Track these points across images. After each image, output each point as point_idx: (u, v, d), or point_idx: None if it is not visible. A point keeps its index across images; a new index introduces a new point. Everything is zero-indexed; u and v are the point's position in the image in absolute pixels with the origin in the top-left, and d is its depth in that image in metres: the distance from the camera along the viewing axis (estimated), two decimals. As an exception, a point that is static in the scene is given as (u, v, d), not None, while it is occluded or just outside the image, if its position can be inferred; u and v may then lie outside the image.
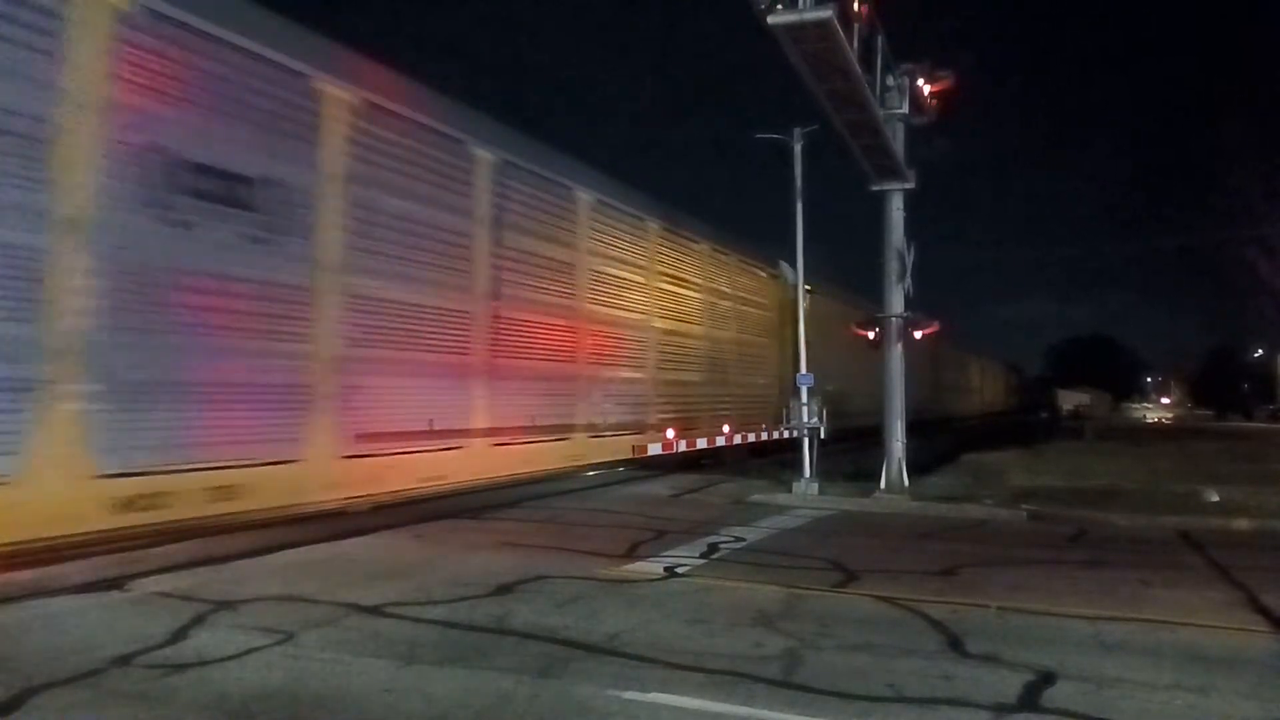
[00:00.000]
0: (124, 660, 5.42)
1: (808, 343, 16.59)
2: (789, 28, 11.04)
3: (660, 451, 16.80)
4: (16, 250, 7.16)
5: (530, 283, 13.62)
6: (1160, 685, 5.41)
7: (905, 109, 16.02)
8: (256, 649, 5.69)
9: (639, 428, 16.53)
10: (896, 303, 16.12)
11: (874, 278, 16.80)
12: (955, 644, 6.20)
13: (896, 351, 16.12)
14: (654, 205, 17.84)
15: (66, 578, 7.46)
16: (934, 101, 16.45)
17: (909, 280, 16.01)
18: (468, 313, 12.24)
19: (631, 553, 9.53)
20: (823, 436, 16.08)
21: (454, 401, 11.97)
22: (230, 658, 5.51)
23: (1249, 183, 25.69)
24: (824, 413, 16.08)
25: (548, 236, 14.09)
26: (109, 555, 8.18)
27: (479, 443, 12.34)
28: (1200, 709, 5.06)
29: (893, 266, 16.07)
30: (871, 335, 16.37)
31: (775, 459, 19.37)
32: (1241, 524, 12.80)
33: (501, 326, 12.89)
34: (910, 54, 15.98)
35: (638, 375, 16.85)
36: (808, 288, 17.64)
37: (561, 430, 14.22)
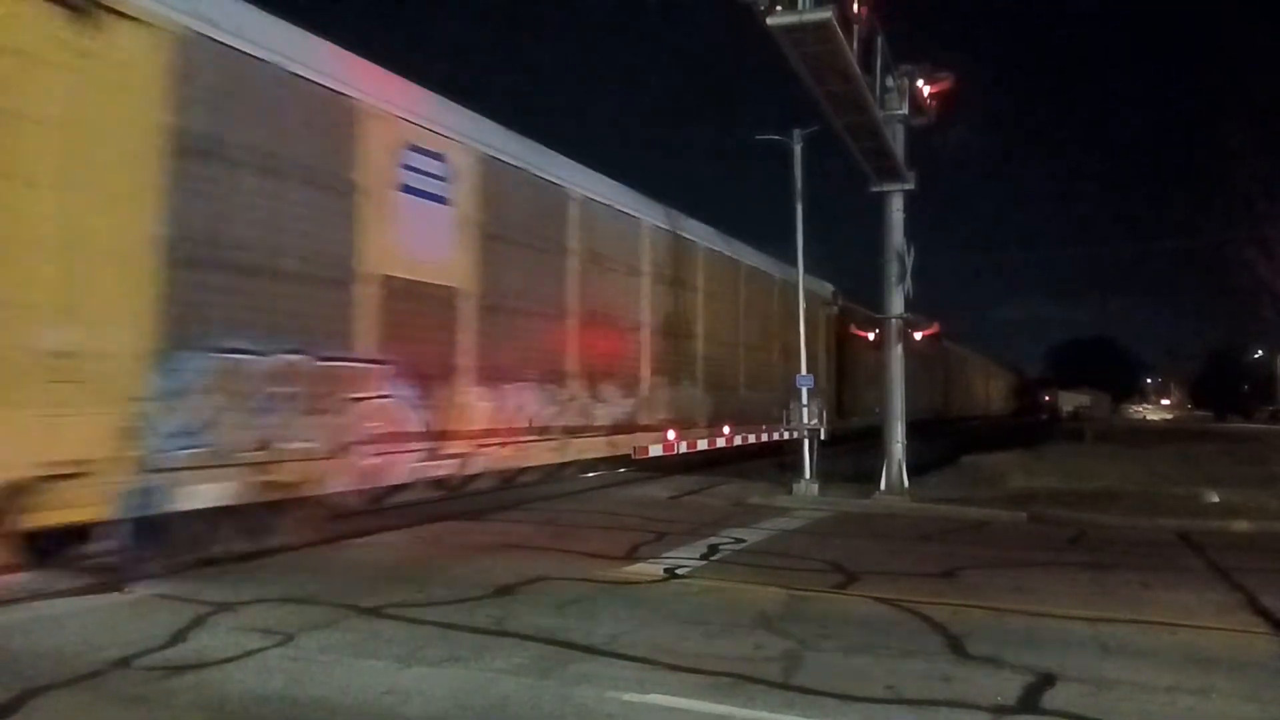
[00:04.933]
0: (123, 662, 5.42)
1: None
2: (788, 29, 11.05)
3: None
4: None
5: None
6: (1160, 687, 5.41)
7: (905, 110, 16.03)
8: (256, 651, 5.69)
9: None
10: (896, 304, 16.13)
11: (874, 279, 16.83)
12: (955, 646, 6.20)
13: (896, 353, 16.12)
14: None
15: (67, 579, 7.46)
16: (933, 103, 16.46)
17: (909, 281, 16.02)
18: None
19: (631, 554, 9.53)
20: (823, 437, 16.11)
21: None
22: (230, 660, 5.51)
23: (1249, 183, 25.63)
24: (823, 414, 16.11)
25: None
26: (109, 556, 8.16)
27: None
28: (1200, 711, 5.06)
29: (892, 268, 16.07)
30: (871, 337, 16.38)
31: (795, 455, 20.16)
32: (1241, 526, 12.80)
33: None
34: (910, 55, 16.02)
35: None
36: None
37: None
